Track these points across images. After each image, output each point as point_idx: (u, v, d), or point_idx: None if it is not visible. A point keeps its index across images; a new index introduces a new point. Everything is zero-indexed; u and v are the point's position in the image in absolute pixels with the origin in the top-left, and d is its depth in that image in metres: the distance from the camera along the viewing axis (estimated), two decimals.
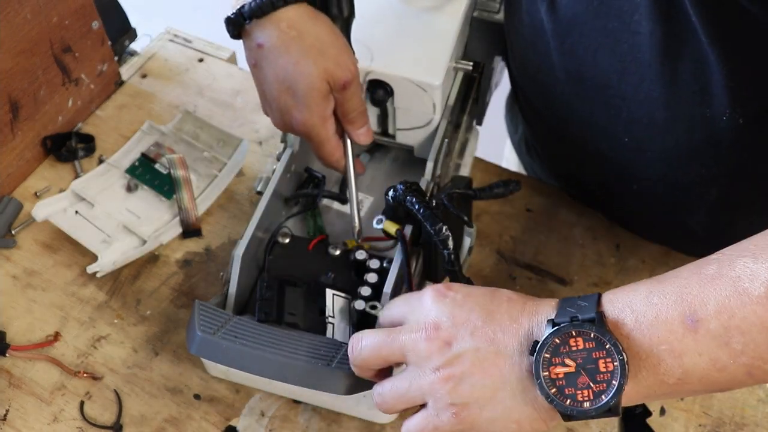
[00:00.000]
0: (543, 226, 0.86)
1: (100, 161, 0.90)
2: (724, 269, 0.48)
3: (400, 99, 0.77)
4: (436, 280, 0.73)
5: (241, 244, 0.70)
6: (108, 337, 0.77)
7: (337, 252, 0.75)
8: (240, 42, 0.71)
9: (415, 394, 0.54)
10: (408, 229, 0.69)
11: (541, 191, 0.88)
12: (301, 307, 0.70)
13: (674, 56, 0.62)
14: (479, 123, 0.93)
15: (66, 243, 0.83)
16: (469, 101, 0.85)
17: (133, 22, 1.04)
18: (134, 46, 1.05)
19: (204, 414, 0.72)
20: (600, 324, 0.50)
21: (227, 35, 0.71)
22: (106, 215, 0.83)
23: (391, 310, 0.60)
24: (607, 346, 0.49)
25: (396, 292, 0.67)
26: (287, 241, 0.75)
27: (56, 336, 0.76)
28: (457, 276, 0.66)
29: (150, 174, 0.86)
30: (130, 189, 0.86)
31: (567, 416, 0.50)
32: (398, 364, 0.58)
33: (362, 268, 0.73)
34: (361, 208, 0.82)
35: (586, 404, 0.50)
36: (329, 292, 0.71)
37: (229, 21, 0.69)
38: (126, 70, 1.00)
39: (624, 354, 0.49)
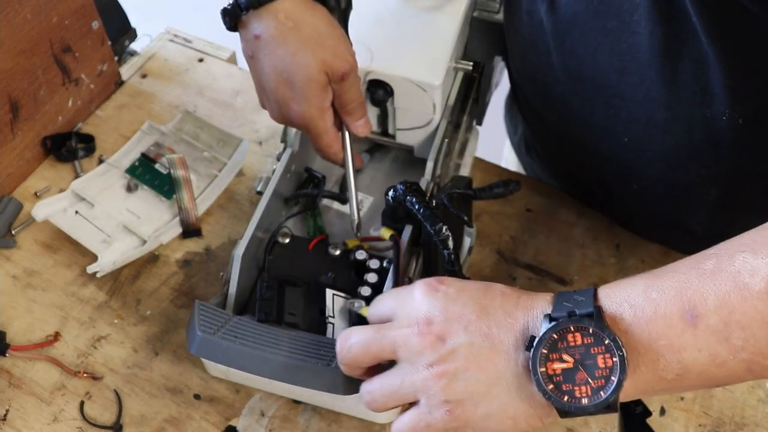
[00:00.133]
0: (543, 226, 0.86)
1: (100, 161, 0.90)
2: (723, 264, 0.48)
3: (400, 99, 0.77)
4: None
5: (241, 244, 0.70)
6: (108, 337, 0.77)
7: (337, 252, 0.75)
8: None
9: (407, 392, 0.53)
10: (406, 233, 0.69)
11: (541, 191, 0.88)
12: (301, 307, 0.70)
13: (674, 56, 0.62)
14: (479, 123, 0.93)
15: (66, 243, 0.83)
16: (469, 101, 0.85)
17: (133, 22, 1.04)
18: (134, 46, 1.05)
19: (204, 414, 0.72)
20: (598, 319, 0.49)
21: (227, 35, 0.71)
22: (106, 215, 0.83)
23: (380, 305, 0.58)
24: (606, 342, 0.49)
25: None
26: (287, 241, 0.75)
27: (56, 336, 0.76)
28: (457, 276, 0.65)
29: (150, 174, 0.86)
30: (130, 189, 0.86)
31: (564, 413, 0.50)
32: (389, 362, 0.56)
33: (362, 268, 0.73)
34: (361, 207, 0.82)
35: (585, 400, 0.49)
36: (329, 292, 0.71)
37: (225, 12, 0.68)
38: (126, 70, 1.00)
39: (624, 349, 0.48)
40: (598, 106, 0.70)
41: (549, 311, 0.51)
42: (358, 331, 0.56)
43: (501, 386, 0.51)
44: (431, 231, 0.65)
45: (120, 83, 0.99)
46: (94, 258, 0.80)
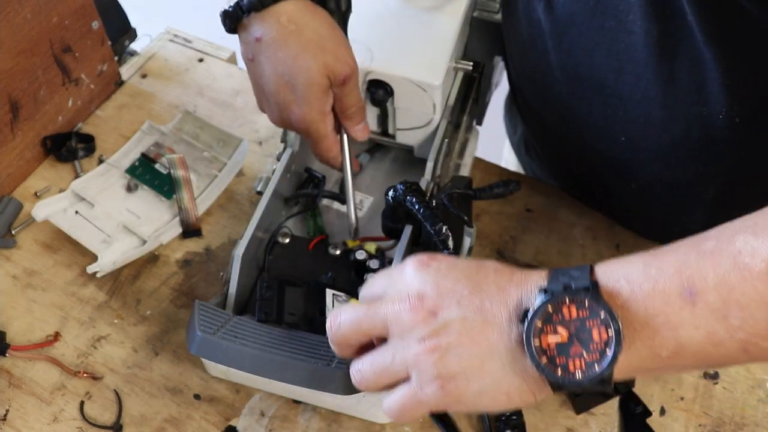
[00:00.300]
0: (543, 226, 0.86)
1: (100, 161, 0.90)
2: (724, 244, 0.47)
3: (400, 99, 0.77)
4: None
5: (241, 244, 0.70)
6: (108, 337, 0.77)
7: (337, 252, 0.75)
8: None
9: (399, 368, 0.51)
10: (407, 233, 0.69)
11: (541, 191, 0.88)
12: (301, 307, 0.70)
13: (670, 55, 0.62)
14: (479, 123, 0.93)
15: (66, 243, 0.83)
16: (469, 101, 0.85)
17: (133, 22, 1.04)
18: (134, 46, 1.05)
19: (204, 414, 0.72)
20: (595, 292, 0.48)
21: (227, 35, 0.71)
22: (106, 215, 0.83)
23: (371, 285, 0.56)
24: (602, 315, 0.47)
25: None
26: (287, 241, 0.76)
27: (56, 336, 0.76)
28: None
29: (150, 174, 0.86)
30: (130, 189, 0.86)
31: (558, 386, 0.48)
32: (380, 340, 0.54)
33: (362, 268, 0.73)
34: (361, 208, 0.82)
35: (579, 374, 0.48)
36: (329, 292, 0.71)
37: (226, 14, 0.68)
38: (126, 70, 1.00)
39: (619, 322, 0.47)
40: (596, 105, 0.70)
41: (544, 285, 0.50)
42: (349, 308, 0.55)
43: (494, 361, 0.49)
44: (431, 231, 0.65)
45: (120, 83, 0.99)
46: (94, 258, 0.80)
